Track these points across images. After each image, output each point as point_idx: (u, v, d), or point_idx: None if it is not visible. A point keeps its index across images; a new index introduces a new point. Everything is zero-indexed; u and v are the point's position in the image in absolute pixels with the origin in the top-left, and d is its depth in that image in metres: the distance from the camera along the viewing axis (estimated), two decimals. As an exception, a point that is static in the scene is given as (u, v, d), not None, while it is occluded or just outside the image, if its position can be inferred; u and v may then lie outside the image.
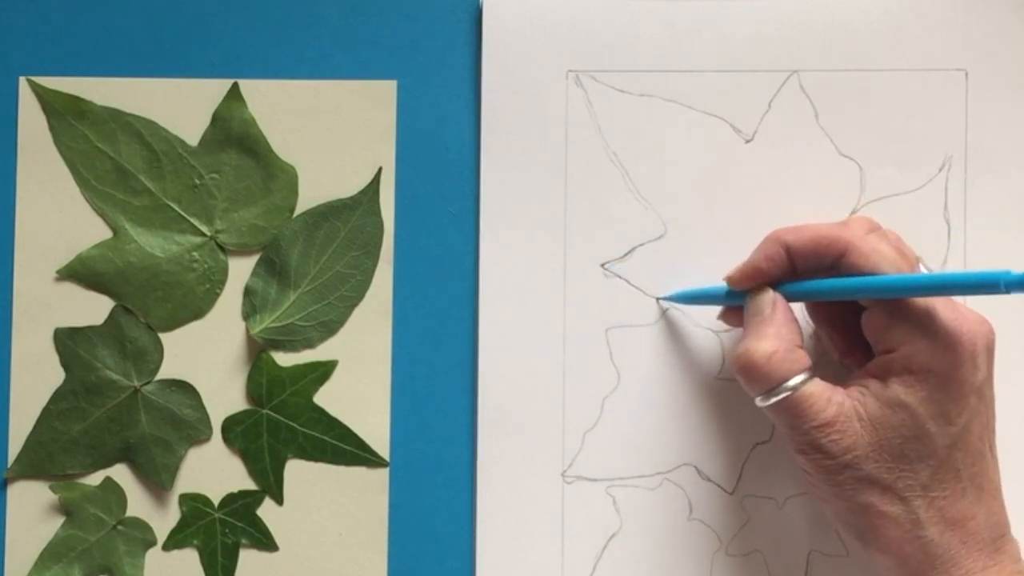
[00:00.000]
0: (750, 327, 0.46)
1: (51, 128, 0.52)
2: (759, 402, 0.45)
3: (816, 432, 0.43)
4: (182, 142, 0.52)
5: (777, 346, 0.44)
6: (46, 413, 0.52)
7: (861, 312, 0.46)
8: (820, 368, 0.46)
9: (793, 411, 0.44)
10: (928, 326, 0.43)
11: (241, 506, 0.52)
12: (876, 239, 0.45)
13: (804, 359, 0.45)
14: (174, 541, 0.52)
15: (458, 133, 0.52)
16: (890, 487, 0.43)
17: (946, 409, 0.43)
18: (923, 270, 0.46)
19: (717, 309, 0.50)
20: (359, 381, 0.52)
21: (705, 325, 0.51)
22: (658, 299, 0.51)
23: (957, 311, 0.43)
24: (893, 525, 0.43)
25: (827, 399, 0.44)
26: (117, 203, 0.52)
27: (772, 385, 0.44)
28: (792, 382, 0.44)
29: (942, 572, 0.43)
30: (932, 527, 0.43)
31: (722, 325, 0.51)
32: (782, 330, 0.45)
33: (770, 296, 0.46)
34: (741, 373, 0.45)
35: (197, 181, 0.52)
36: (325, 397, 0.52)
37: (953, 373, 0.43)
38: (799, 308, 0.48)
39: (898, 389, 0.43)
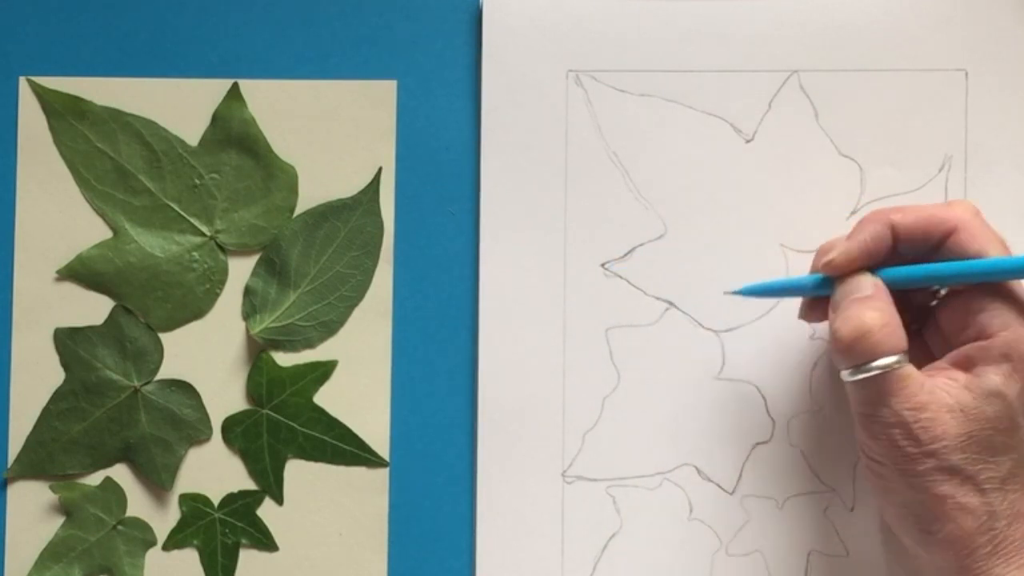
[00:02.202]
0: (851, 303, 0.44)
1: (51, 128, 0.52)
2: (848, 376, 0.43)
3: (909, 414, 0.42)
4: (182, 142, 0.52)
5: (888, 319, 0.43)
6: (46, 413, 0.52)
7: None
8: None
9: (890, 387, 0.42)
10: None
11: (241, 506, 0.52)
12: (982, 222, 0.44)
13: (905, 339, 0.43)
14: (174, 541, 0.52)
15: (458, 133, 0.52)
16: (971, 478, 0.42)
17: None
18: None
19: (719, 311, 0.51)
20: (359, 381, 0.52)
21: (706, 325, 0.51)
22: (729, 293, 0.48)
23: None
24: (970, 517, 0.42)
25: (921, 383, 0.42)
26: (117, 203, 0.52)
27: (876, 357, 0.42)
28: (894, 358, 0.42)
29: (1003, 563, 0.42)
30: (1003, 520, 0.42)
31: (723, 325, 0.51)
32: (888, 307, 0.43)
33: (869, 279, 0.44)
34: (847, 339, 0.43)
35: (197, 181, 0.52)
36: (325, 397, 0.52)
37: None
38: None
39: (995, 379, 0.42)
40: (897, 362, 0.42)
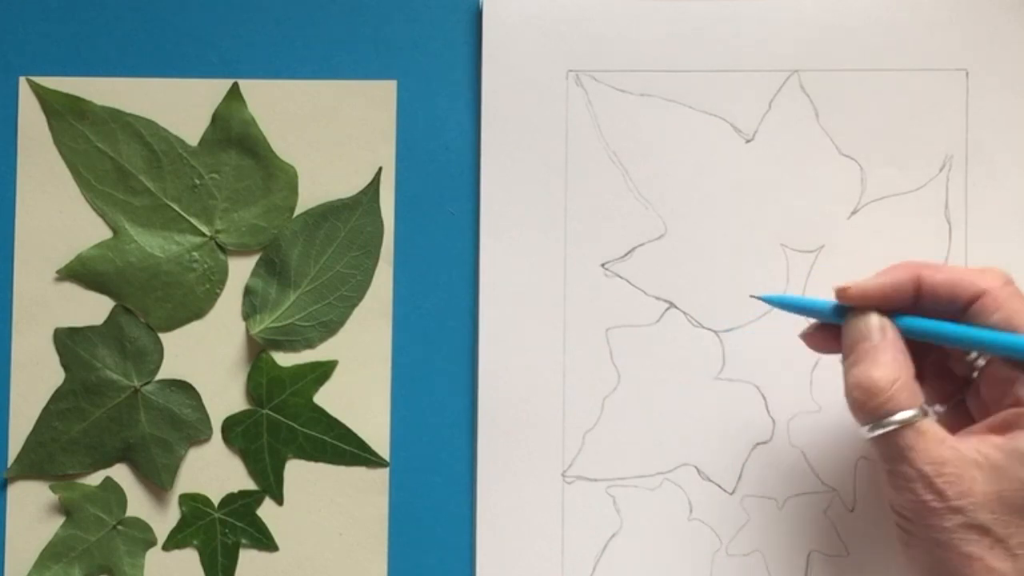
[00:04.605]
0: (860, 352, 0.43)
1: (51, 128, 0.52)
2: (867, 432, 0.43)
3: (929, 468, 0.41)
4: (182, 142, 0.52)
5: (898, 374, 0.42)
6: (46, 413, 0.52)
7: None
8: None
9: (909, 444, 0.41)
10: None
11: (241, 506, 0.52)
12: (1012, 292, 0.43)
13: (920, 394, 0.43)
14: (174, 541, 0.52)
15: (458, 133, 0.52)
16: (1002, 541, 0.41)
17: None
18: None
19: (719, 311, 0.51)
20: (359, 381, 0.52)
21: (706, 325, 0.51)
22: (753, 296, 0.48)
23: None
24: None
25: (942, 439, 0.42)
26: (117, 203, 0.52)
27: (890, 414, 0.42)
28: (910, 414, 0.42)
29: None
30: None
31: (723, 325, 0.51)
32: (899, 357, 0.43)
33: (878, 321, 0.43)
34: (861, 399, 0.43)
35: (197, 181, 0.52)
36: (325, 397, 0.52)
37: None
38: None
39: None
40: (912, 417, 0.42)
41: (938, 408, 0.47)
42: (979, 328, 0.43)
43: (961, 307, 0.43)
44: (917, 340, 0.44)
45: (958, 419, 0.45)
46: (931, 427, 0.42)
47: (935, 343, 0.44)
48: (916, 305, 0.44)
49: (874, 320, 0.43)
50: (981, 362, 0.45)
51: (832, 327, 0.45)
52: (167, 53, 0.52)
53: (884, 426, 0.42)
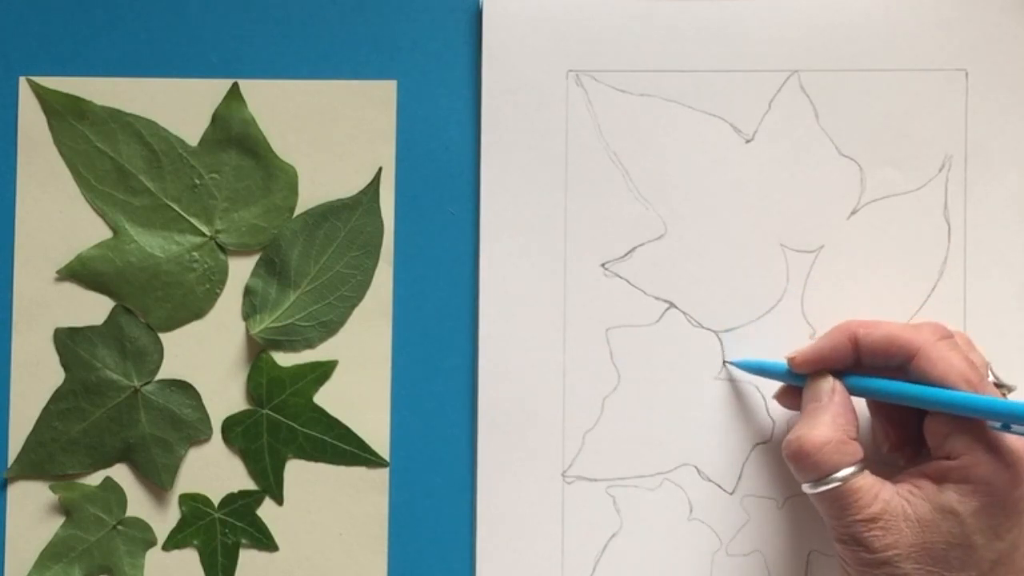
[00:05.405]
0: (806, 413, 0.46)
1: (51, 128, 0.52)
2: (806, 488, 0.45)
3: (859, 526, 0.43)
4: (182, 142, 0.52)
5: (830, 436, 0.44)
6: (46, 413, 0.52)
7: (919, 411, 0.46)
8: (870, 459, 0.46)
9: (839, 502, 0.44)
10: (991, 441, 0.43)
11: (241, 506, 0.52)
12: (946, 347, 0.44)
13: (856, 451, 0.45)
14: (174, 541, 0.52)
15: (458, 133, 0.52)
16: None
17: (997, 524, 0.43)
18: (991, 377, 0.46)
19: (719, 311, 0.51)
20: (359, 381, 0.52)
21: (706, 325, 0.51)
22: (725, 362, 0.51)
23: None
24: None
25: (874, 494, 0.44)
26: (117, 203, 0.52)
27: (821, 475, 0.44)
28: (841, 473, 0.44)
29: None
30: None
31: (723, 325, 0.51)
32: (838, 419, 0.45)
33: (830, 383, 0.46)
34: (791, 459, 0.45)
35: (197, 181, 0.52)
36: (325, 397, 0.52)
37: (1011, 490, 0.43)
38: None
39: (952, 496, 0.43)
40: (849, 475, 0.44)
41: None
42: (913, 385, 0.44)
43: (898, 364, 0.45)
44: (869, 398, 0.47)
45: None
46: (864, 483, 0.44)
47: (879, 399, 0.47)
48: (859, 362, 0.46)
49: (825, 384, 0.46)
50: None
51: (798, 389, 0.48)
52: (167, 53, 0.52)
53: (820, 485, 0.44)
